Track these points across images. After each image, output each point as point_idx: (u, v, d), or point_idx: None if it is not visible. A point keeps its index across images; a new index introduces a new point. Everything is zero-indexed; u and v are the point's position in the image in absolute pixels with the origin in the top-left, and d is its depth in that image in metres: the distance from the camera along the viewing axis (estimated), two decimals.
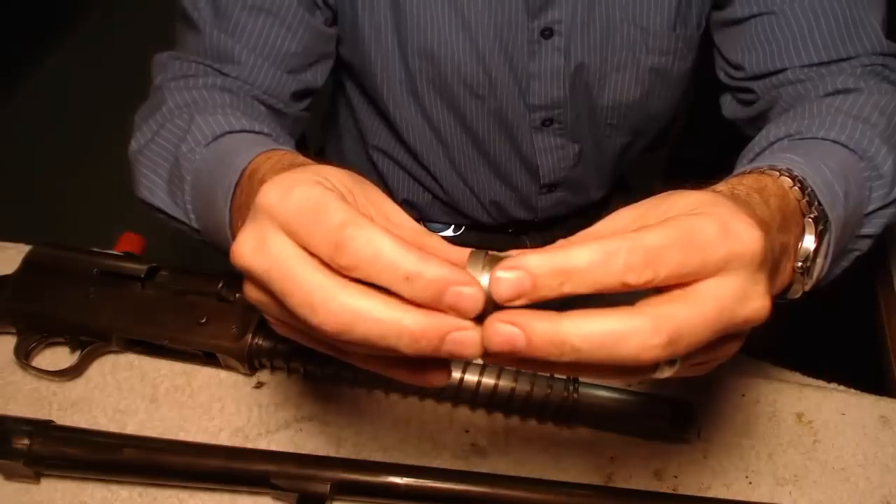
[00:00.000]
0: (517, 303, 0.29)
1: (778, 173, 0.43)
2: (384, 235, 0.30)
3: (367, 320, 0.29)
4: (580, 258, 0.29)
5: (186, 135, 0.54)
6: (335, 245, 0.30)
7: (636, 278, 0.29)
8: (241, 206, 0.44)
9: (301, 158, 0.45)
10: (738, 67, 0.69)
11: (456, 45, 0.69)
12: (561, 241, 0.33)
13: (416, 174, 0.84)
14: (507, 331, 0.29)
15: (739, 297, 0.31)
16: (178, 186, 0.54)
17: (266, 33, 0.65)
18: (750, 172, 0.43)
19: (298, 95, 0.69)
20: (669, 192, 0.35)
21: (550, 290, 0.29)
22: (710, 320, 0.30)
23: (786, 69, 0.65)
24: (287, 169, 0.38)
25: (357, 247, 0.29)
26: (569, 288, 0.29)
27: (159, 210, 0.58)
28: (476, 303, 0.29)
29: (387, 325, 0.29)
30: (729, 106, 0.74)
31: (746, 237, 0.31)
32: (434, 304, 0.29)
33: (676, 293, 0.30)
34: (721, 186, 0.40)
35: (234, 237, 0.39)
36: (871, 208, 0.52)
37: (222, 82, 0.63)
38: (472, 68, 0.71)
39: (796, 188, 0.43)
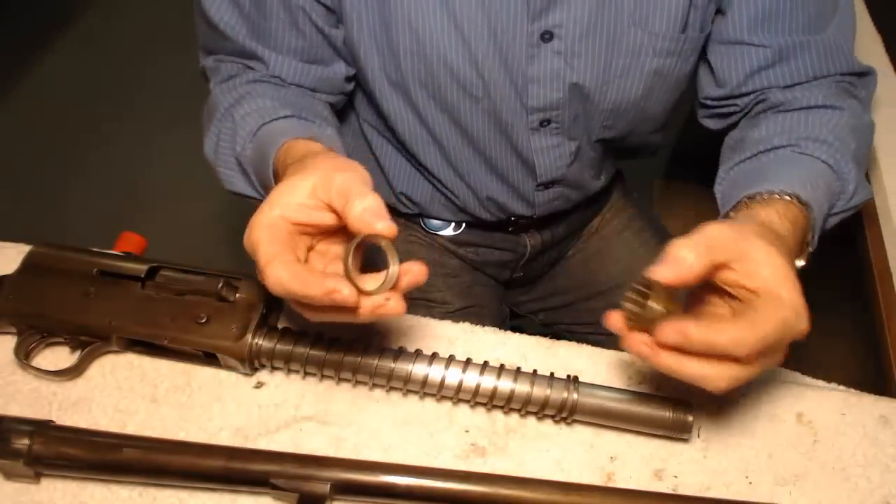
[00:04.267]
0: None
1: (805, 208, 0.58)
2: (283, 275, 0.45)
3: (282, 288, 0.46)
4: (721, 339, 0.45)
5: (236, 136, 0.65)
6: (260, 272, 0.47)
7: (742, 356, 0.47)
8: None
9: (313, 148, 0.57)
10: (721, 84, 0.74)
11: (448, 48, 0.68)
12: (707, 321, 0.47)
13: (414, 167, 0.84)
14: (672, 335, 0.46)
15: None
16: (247, 178, 0.67)
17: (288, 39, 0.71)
18: (790, 201, 0.58)
19: (327, 83, 0.74)
20: (754, 237, 0.49)
21: (694, 350, 0.46)
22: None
23: (767, 88, 0.72)
24: (298, 162, 0.54)
25: (269, 280, 0.46)
26: (705, 349, 0.46)
27: (245, 196, 0.69)
28: (350, 300, 0.44)
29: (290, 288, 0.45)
30: (709, 122, 0.80)
31: (805, 325, 0.48)
32: (321, 301, 0.45)
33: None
34: (778, 224, 0.56)
35: None
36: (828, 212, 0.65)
37: (254, 76, 0.71)
38: (466, 71, 0.70)
39: (812, 229, 0.59)
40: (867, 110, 0.73)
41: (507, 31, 0.68)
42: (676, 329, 0.45)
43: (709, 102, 0.77)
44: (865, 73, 0.73)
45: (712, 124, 0.79)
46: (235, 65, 0.72)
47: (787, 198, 0.58)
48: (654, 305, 0.47)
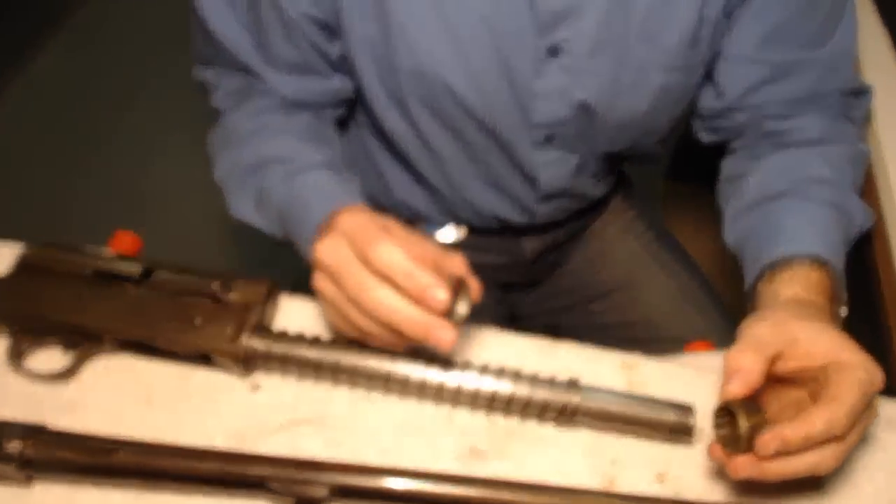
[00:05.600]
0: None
1: (827, 266, 0.60)
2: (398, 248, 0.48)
3: (384, 307, 0.49)
4: (816, 428, 0.47)
5: (265, 170, 0.66)
6: (367, 255, 0.49)
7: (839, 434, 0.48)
8: None
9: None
10: (721, 96, 0.73)
11: (449, 69, 0.67)
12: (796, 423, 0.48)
13: (413, 177, 0.83)
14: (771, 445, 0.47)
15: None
16: (266, 213, 0.68)
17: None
18: (811, 266, 0.60)
19: (329, 96, 0.73)
20: (793, 320, 0.53)
21: (796, 448, 0.47)
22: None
23: (765, 103, 0.71)
24: None
25: (380, 253, 0.48)
26: (805, 444, 0.47)
27: (251, 223, 0.70)
28: (441, 303, 0.47)
29: (397, 312, 0.48)
30: (702, 134, 0.79)
31: (879, 376, 0.50)
32: (418, 297, 0.47)
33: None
34: (805, 296, 0.58)
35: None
36: None
37: (270, 103, 0.70)
38: (467, 92, 0.68)
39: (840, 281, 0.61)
40: (861, 135, 0.74)
41: (513, 49, 0.66)
42: (773, 437, 0.46)
43: (706, 113, 0.76)
44: (862, 92, 0.73)
45: (705, 137, 0.79)
46: (238, 79, 0.72)
47: (808, 262, 0.60)
48: (743, 422, 0.48)
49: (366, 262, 0.49)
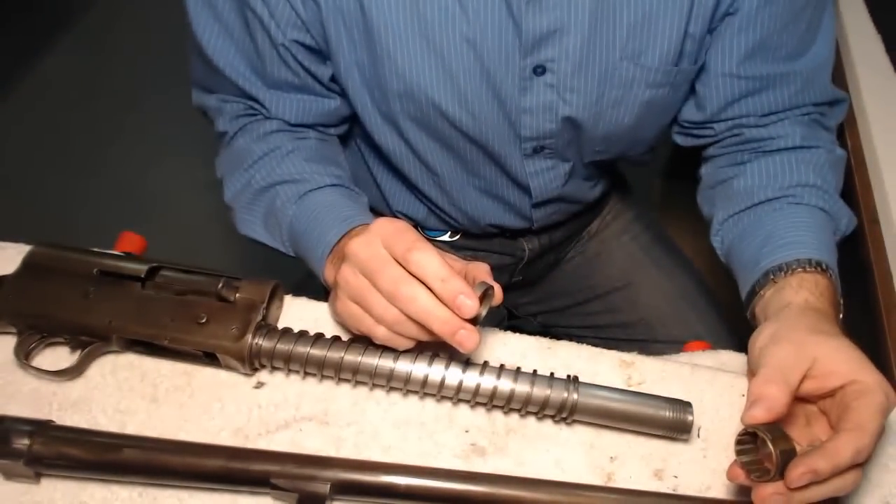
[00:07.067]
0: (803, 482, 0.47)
1: (828, 271, 0.60)
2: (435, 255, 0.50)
3: (419, 303, 0.50)
4: (845, 458, 0.47)
5: (276, 189, 0.68)
6: (405, 257, 0.50)
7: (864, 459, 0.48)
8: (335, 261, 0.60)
9: None
10: (701, 109, 0.73)
11: (437, 91, 0.67)
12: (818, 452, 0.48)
13: (410, 190, 0.84)
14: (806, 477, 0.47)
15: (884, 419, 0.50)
16: (276, 230, 0.69)
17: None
18: (816, 272, 0.60)
19: (330, 116, 0.75)
20: (810, 335, 0.53)
21: (825, 477, 0.47)
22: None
23: (744, 116, 0.72)
24: None
25: (419, 258, 0.50)
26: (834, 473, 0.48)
27: (258, 241, 0.72)
28: (470, 310, 0.49)
29: (431, 310, 0.50)
30: (678, 139, 0.80)
31: (893, 394, 0.50)
32: (450, 302, 0.49)
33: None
34: (815, 302, 0.58)
35: (324, 277, 0.62)
36: None
37: (277, 125, 0.72)
38: (456, 111, 0.69)
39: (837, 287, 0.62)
40: (836, 142, 0.74)
41: (500, 69, 0.67)
42: (806, 469, 0.46)
43: (685, 123, 0.77)
44: (837, 102, 0.74)
45: (681, 141, 0.80)
46: (241, 104, 0.73)
47: (812, 268, 0.60)
48: (773, 450, 0.48)
49: (403, 263, 0.51)
